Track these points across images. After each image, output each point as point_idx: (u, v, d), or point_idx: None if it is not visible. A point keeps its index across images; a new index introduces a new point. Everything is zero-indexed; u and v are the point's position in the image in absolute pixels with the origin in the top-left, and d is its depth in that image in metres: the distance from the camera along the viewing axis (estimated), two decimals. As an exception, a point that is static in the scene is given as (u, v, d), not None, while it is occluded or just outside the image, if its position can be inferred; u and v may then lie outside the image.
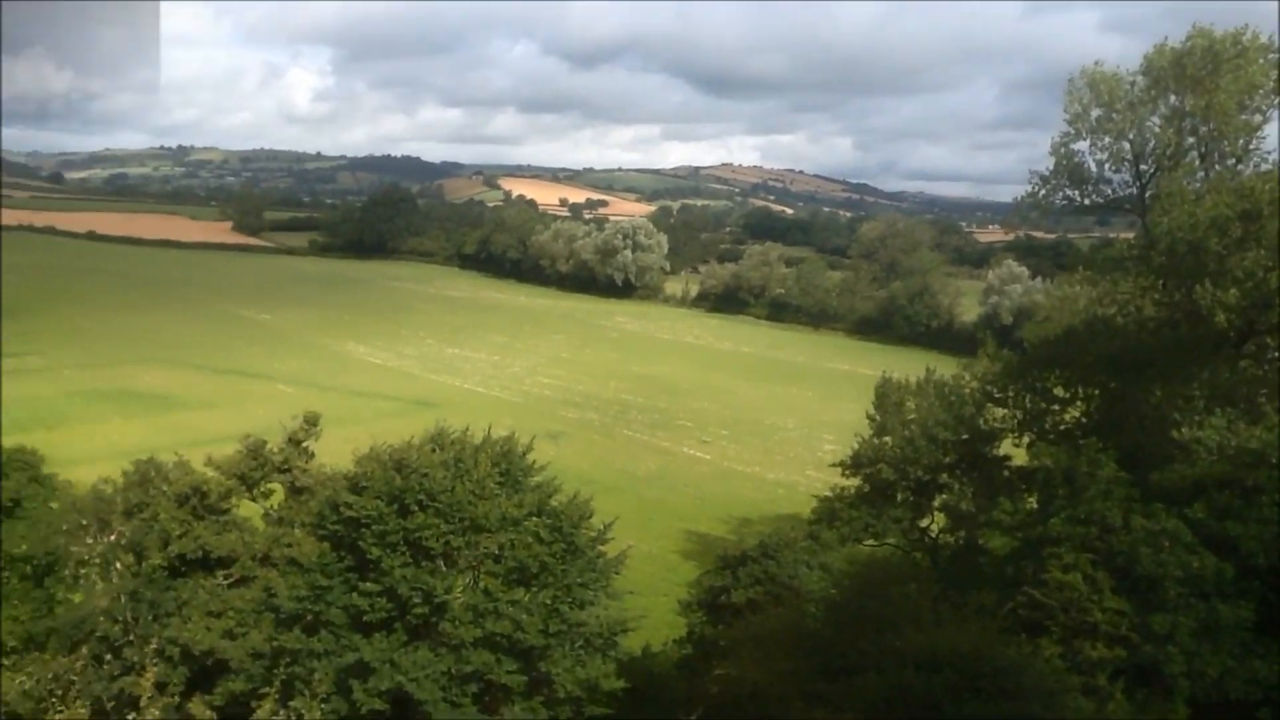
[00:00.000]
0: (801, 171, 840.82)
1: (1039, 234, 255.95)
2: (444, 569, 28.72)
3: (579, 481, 40.73)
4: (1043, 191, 44.37)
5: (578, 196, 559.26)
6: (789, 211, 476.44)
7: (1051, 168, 43.64)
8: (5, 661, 34.75)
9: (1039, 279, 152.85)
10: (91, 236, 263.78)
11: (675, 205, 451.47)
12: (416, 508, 28.42)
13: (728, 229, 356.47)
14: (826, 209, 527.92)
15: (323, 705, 27.04)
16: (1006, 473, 43.40)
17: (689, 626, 39.13)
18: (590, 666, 29.00)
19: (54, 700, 26.70)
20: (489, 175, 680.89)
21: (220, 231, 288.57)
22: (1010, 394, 43.90)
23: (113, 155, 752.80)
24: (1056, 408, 42.85)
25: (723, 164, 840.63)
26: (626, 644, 32.04)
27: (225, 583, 33.01)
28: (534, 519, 29.31)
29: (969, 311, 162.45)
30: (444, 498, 28.49)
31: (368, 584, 27.99)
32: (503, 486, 30.16)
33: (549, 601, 28.13)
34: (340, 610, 28.26)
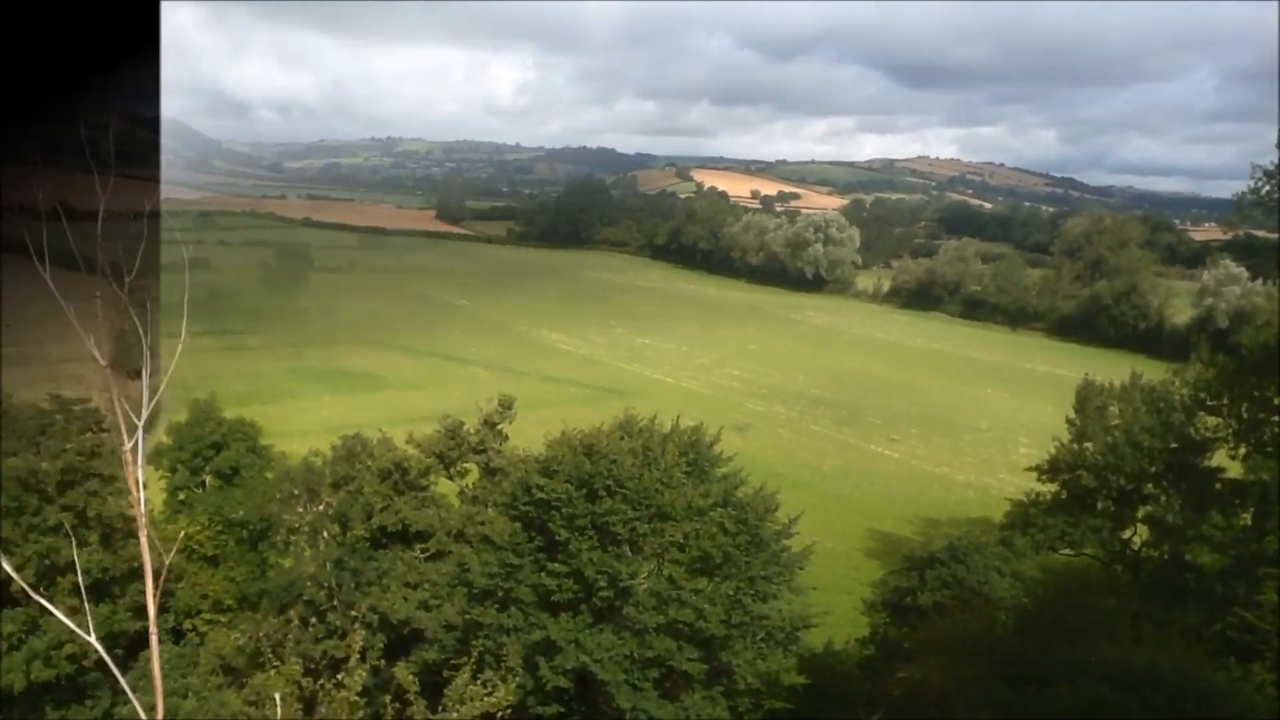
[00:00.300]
0: (1002, 164, 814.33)
1: (1261, 233, 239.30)
2: (629, 554, 29.24)
3: (764, 474, 40.67)
4: (1266, 187, 41.58)
5: (769, 189, 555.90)
6: (987, 206, 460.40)
7: (1276, 161, 40.85)
8: (221, 619, 37.48)
9: (1260, 280, 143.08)
10: (307, 223, 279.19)
11: (868, 199, 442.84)
12: (604, 493, 29.03)
13: (922, 223, 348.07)
14: (1028, 204, 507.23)
15: (513, 678, 27.97)
16: (1219, 485, 41.26)
17: (872, 626, 38.71)
18: (771, 659, 29.07)
19: (270, 656, 28.53)
20: (681, 167, 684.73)
21: (424, 219, 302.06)
22: (1225, 402, 41.61)
23: (327, 146, 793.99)
24: (1276, 419, 40.28)
25: (918, 156, 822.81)
26: (808, 640, 31.93)
27: (422, 556, 34.67)
28: (719, 509, 29.53)
29: (1181, 314, 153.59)
30: (631, 484, 28.99)
31: (556, 565, 28.82)
32: (689, 476, 30.50)
33: (732, 592, 28.30)
34: (529, 589, 29.22)
